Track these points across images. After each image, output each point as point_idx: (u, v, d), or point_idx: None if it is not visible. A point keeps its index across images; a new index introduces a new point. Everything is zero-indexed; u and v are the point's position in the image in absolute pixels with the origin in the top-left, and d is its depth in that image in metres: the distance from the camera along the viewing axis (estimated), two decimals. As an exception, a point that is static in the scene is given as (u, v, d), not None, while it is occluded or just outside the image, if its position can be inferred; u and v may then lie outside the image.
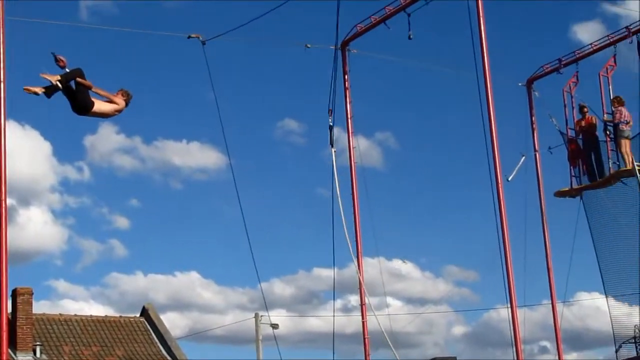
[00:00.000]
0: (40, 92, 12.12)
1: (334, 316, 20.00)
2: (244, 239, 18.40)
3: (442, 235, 58.73)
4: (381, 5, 19.88)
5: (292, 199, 62.78)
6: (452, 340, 54.37)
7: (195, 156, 59.82)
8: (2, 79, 13.24)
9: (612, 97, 21.26)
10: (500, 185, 16.78)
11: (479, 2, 17.50)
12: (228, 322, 60.72)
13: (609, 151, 21.39)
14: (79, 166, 59.13)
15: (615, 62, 21.65)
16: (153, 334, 31.90)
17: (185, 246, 63.15)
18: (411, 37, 19.30)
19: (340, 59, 20.63)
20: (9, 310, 27.84)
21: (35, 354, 28.38)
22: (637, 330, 25.03)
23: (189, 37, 18.86)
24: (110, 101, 12.92)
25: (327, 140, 20.14)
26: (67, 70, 12.33)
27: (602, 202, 22.44)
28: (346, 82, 20.70)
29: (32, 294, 28.80)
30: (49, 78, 12.09)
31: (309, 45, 20.53)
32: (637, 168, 20.30)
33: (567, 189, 22.41)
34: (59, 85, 12.09)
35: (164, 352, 31.11)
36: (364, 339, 19.60)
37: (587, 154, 21.97)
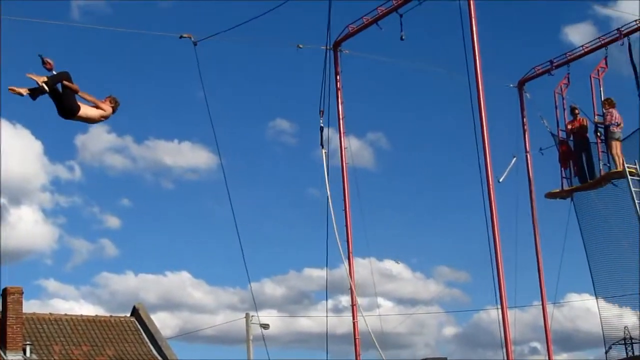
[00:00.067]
0: (25, 93, 11.99)
1: (326, 316, 19.98)
2: (235, 239, 18.42)
3: (433, 235, 58.86)
4: (373, 6, 19.92)
5: (283, 199, 62.80)
6: (443, 341, 54.45)
7: (187, 156, 59.81)
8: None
9: (603, 99, 21.31)
10: (491, 186, 16.81)
11: (471, 3, 17.54)
12: (219, 322, 60.70)
13: (600, 153, 21.43)
14: (70, 165, 59.06)
15: (606, 64, 21.70)
16: (143, 334, 31.85)
17: (176, 246, 63.12)
18: (403, 37, 19.32)
19: (332, 59, 20.65)
20: (-1, 309, 27.85)
21: (25, 353, 28.30)
22: (627, 332, 25.09)
23: (181, 37, 18.84)
24: (97, 106, 12.81)
25: (318, 141, 20.14)
26: (54, 72, 12.24)
27: (592, 204, 22.48)
28: (338, 83, 20.70)
29: (22, 293, 28.75)
30: (35, 79, 11.99)
31: (300, 46, 20.53)
32: (627, 170, 20.33)
33: (557, 190, 22.45)
34: (45, 87, 12.00)
35: (154, 352, 31.06)
36: (355, 339, 19.60)
37: (578, 156, 22.01)
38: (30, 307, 33.35)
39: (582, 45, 22.58)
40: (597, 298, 22.70)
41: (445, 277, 56.61)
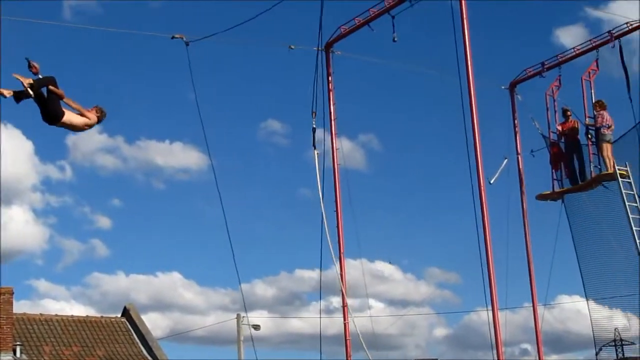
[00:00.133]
0: (8, 95, 11.85)
1: (320, 317, 19.95)
2: (225, 239, 18.41)
3: (425, 237, 58.99)
4: (365, 7, 19.92)
5: (274, 200, 62.87)
6: (434, 342, 54.54)
7: (178, 156, 59.86)
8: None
9: (594, 101, 21.35)
10: (482, 187, 16.82)
11: (463, 5, 17.55)
12: (209, 322, 60.73)
13: (591, 155, 21.48)
14: (61, 165, 59.06)
15: (597, 66, 21.74)
16: (134, 334, 31.82)
17: (167, 246, 63.15)
18: (396, 39, 19.32)
19: (324, 60, 20.64)
20: (-11, 309, 27.75)
21: (15, 354, 28.22)
22: (617, 334, 25.17)
23: (173, 37, 18.81)
24: (81, 114, 12.70)
25: (310, 142, 20.14)
26: (40, 76, 12.13)
27: (583, 206, 22.52)
28: (330, 84, 20.69)
29: (13, 293, 28.66)
30: (21, 79, 11.89)
31: (292, 47, 20.50)
32: (618, 172, 20.38)
33: (548, 192, 22.48)
34: (30, 91, 11.88)
35: (145, 352, 31.03)
36: (345, 340, 19.59)
37: (569, 158, 22.04)
38: (20, 307, 33.28)
39: (574, 48, 22.61)
40: (587, 300, 22.75)
41: (436, 278, 56.76)
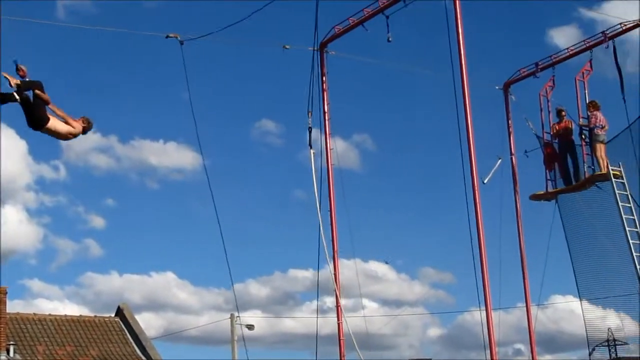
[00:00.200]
0: None
1: (317, 317, 19.95)
2: (219, 239, 18.40)
3: (419, 237, 59.09)
4: (359, 7, 19.93)
5: (268, 200, 62.87)
6: (428, 342, 54.64)
7: (172, 156, 59.89)
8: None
9: (587, 102, 21.39)
10: (476, 187, 16.83)
11: (457, 5, 17.56)
12: (203, 322, 60.74)
13: (584, 155, 21.52)
14: (55, 165, 59.06)
15: (591, 66, 21.77)
16: (128, 334, 31.80)
17: (161, 246, 63.17)
18: (390, 39, 19.32)
19: (318, 60, 20.63)
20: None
21: (8, 353, 28.17)
22: (610, 334, 25.21)
23: (167, 36, 18.77)
24: (66, 122, 12.57)
25: (304, 142, 20.13)
26: (27, 80, 12.07)
27: (577, 206, 22.56)
28: (324, 84, 20.68)
29: (6, 293, 28.61)
30: (9, 78, 11.81)
31: (287, 47, 20.49)
32: (611, 172, 20.42)
33: (542, 192, 22.51)
34: (16, 95, 11.81)
35: (138, 352, 31.01)
36: (339, 340, 19.59)
37: (563, 158, 22.08)
38: (14, 307, 33.21)
39: (567, 48, 22.64)
40: (580, 300, 22.79)
41: (430, 278, 56.86)
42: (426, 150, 59.63)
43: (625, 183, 20.50)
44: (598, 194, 21.59)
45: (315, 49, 20.40)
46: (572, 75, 22.06)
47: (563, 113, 22.07)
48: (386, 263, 54.05)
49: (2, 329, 28.25)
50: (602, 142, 20.88)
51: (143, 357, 30.73)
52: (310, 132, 20.17)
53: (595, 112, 21.01)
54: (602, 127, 20.90)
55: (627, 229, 19.94)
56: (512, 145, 23.34)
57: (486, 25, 54.04)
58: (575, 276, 22.66)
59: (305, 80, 19.83)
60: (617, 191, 20.31)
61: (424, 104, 57.38)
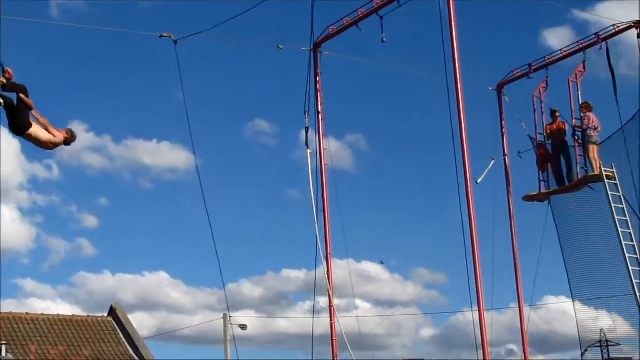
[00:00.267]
0: None
1: (312, 317, 19.93)
2: (212, 239, 18.38)
3: (412, 237, 59.10)
4: (354, 7, 19.94)
5: (262, 199, 62.82)
6: (420, 342, 54.64)
7: (165, 156, 59.83)
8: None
9: (580, 103, 21.42)
10: (469, 188, 16.84)
11: (451, 6, 17.58)
12: (196, 322, 60.69)
13: (577, 156, 21.55)
14: (48, 164, 58.90)
15: (584, 68, 21.81)
16: (120, 334, 31.72)
17: (154, 246, 63.10)
18: (384, 40, 19.34)
19: (312, 60, 20.63)
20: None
21: (0, 353, 28.10)
22: (602, 335, 25.27)
23: (161, 36, 18.75)
24: (47, 130, 12.39)
25: (297, 142, 20.18)
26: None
27: (570, 207, 22.60)
28: (318, 84, 20.68)
29: (-2, 292, 28.55)
30: None
31: (281, 47, 20.48)
32: (604, 174, 20.45)
33: (535, 193, 22.54)
34: (1, 99, 11.73)
35: (131, 352, 30.95)
36: (332, 340, 19.59)
37: (556, 159, 22.11)
38: (6, 306, 33.20)
39: (561, 49, 22.69)
40: (573, 301, 22.83)
41: (423, 278, 56.89)
42: (420, 150, 59.72)
43: (618, 184, 20.53)
44: (591, 195, 21.63)
45: (309, 49, 20.43)
46: (565, 76, 22.11)
47: (557, 114, 22.09)
48: (381, 263, 54.08)
49: (-6, 328, 28.22)
50: (595, 143, 20.92)
51: (136, 357, 30.66)
52: (307, 131, 20.19)
53: (588, 114, 21.04)
54: (595, 129, 20.93)
55: (619, 230, 19.98)
56: (505, 146, 23.38)
57: (480, 26, 54.10)
58: (567, 277, 22.72)
59: (299, 80, 19.86)
60: (609, 192, 20.34)
61: (418, 104, 57.47)
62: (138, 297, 58.96)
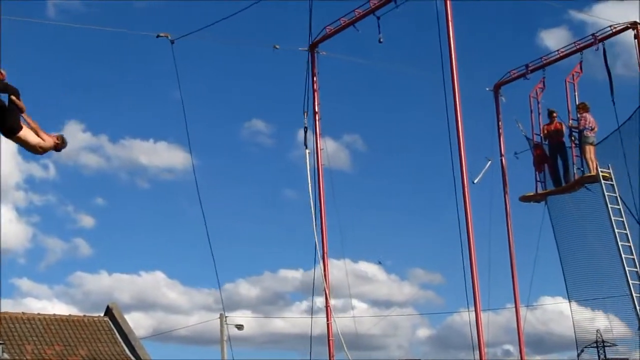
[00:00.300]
0: None
1: (311, 318, 19.93)
2: (210, 239, 18.37)
3: (408, 237, 59.01)
4: (351, 8, 19.95)
5: (258, 199, 62.78)
6: (417, 342, 54.56)
7: (162, 156, 59.75)
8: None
9: (577, 104, 21.43)
10: (466, 188, 16.84)
11: (448, 6, 17.59)
12: (193, 322, 60.65)
13: (574, 157, 21.57)
14: (44, 164, 58.70)
15: (581, 68, 21.82)
16: (117, 334, 31.70)
17: (150, 246, 62.99)
18: (381, 40, 19.34)
19: (309, 60, 20.64)
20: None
21: (-4, 352, 28.10)
22: (599, 335, 25.28)
23: (158, 36, 18.73)
24: (37, 134, 12.16)
25: (294, 142, 20.24)
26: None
27: (566, 208, 22.61)
28: (315, 84, 20.69)
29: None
30: None
31: (277, 47, 20.49)
32: (601, 174, 20.47)
33: (532, 193, 22.56)
34: None
35: (127, 352, 30.93)
36: (328, 340, 19.59)
37: (553, 159, 22.12)
38: (2, 306, 33.07)
39: (558, 50, 22.71)
40: (569, 301, 22.84)
41: (420, 279, 56.79)
42: (416, 151, 59.65)
43: (615, 185, 20.55)
44: (587, 195, 21.63)
45: (306, 49, 20.44)
46: (562, 77, 22.13)
47: (554, 114, 22.09)
48: (379, 263, 54.02)
49: (-10, 328, 28.18)
50: (591, 144, 20.93)
51: (132, 357, 30.64)
52: (306, 131, 20.20)
53: (584, 114, 21.05)
54: (592, 129, 20.95)
55: (616, 230, 20.00)
56: (502, 146, 23.38)
57: (477, 27, 54.02)
58: (564, 277, 22.73)
59: (296, 80, 19.90)
60: (606, 193, 20.36)
61: (415, 105, 57.42)
62: (134, 297, 58.92)
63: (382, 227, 58.01)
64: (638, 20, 21.03)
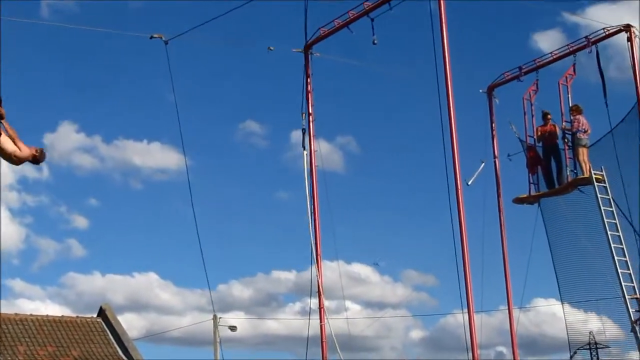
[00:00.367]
0: None
1: (309, 319, 19.91)
2: (203, 240, 18.39)
3: (402, 239, 59.11)
4: (345, 9, 19.95)
5: (252, 201, 62.77)
6: (410, 344, 54.66)
7: (156, 156, 59.75)
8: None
9: (570, 106, 21.48)
10: (459, 190, 16.85)
11: (442, 8, 17.60)
12: (186, 323, 60.57)
13: (567, 159, 21.61)
14: (38, 165, 58.58)
15: (574, 71, 21.88)
16: (110, 335, 31.64)
17: (144, 247, 63.00)
18: (375, 42, 19.34)
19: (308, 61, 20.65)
20: (-37, 309, 27.52)
21: (-11, 353, 28.02)
22: (592, 337, 25.33)
23: (152, 37, 18.73)
24: (14, 142, 12.01)
25: (288, 143, 20.25)
26: None
27: (559, 210, 22.65)
28: (309, 85, 20.69)
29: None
30: None
31: (271, 48, 20.48)
32: (594, 176, 20.51)
33: (525, 195, 22.59)
34: None
35: (120, 353, 30.87)
36: (322, 342, 19.59)
37: (547, 161, 22.16)
38: (-5, 307, 32.99)
39: (551, 52, 22.76)
40: (562, 303, 22.88)
41: (413, 280, 56.91)
42: (410, 152, 59.78)
43: (607, 187, 20.60)
44: (580, 197, 21.69)
45: (301, 50, 20.44)
46: (555, 79, 22.18)
47: (549, 116, 22.13)
48: (376, 265, 54.14)
49: (-17, 329, 28.09)
50: (584, 146, 20.98)
51: (125, 358, 30.59)
52: (303, 133, 20.21)
53: (577, 116, 21.11)
54: (585, 131, 21.00)
55: (609, 232, 20.04)
56: (495, 148, 23.42)
57: (471, 29, 54.14)
58: (557, 279, 22.77)
59: (290, 81, 19.94)
60: (599, 195, 20.41)
61: (408, 106, 57.49)
62: (128, 298, 58.89)
63: (376, 228, 58.14)
64: (631, 23, 21.11)
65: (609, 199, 20.47)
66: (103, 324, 32.13)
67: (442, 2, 17.56)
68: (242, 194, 63.63)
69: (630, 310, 19.42)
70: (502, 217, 23.04)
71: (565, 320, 22.77)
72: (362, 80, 59.15)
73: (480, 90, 23.55)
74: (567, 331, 22.82)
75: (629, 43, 20.97)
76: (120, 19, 57.54)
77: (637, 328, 19.31)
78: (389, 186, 60.14)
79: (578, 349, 24.70)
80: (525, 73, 22.80)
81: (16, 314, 31.28)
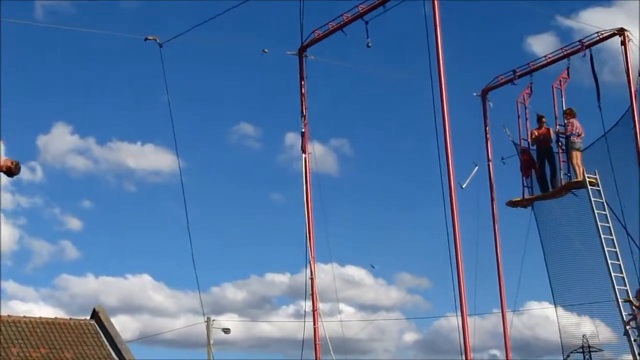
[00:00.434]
0: None
1: (304, 321, 19.89)
2: (196, 242, 18.38)
3: (396, 242, 59.17)
4: (339, 12, 19.96)
5: (246, 203, 62.75)
6: (403, 347, 54.71)
7: (150, 158, 59.76)
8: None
9: (564, 109, 21.52)
10: (453, 193, 16.86)
11: (436, 12, 17.62)
12: (179, 325, 60.53)
13: (561, 162, 21.65)
14: (32, 166, 58.59)
15: (568, 74, 21.92)
16: (103, 337, 31.60)
17: (137, 249, 62.95)
18: (370, 45, 19.35)
19: (303, 64, 20.65)
20: (-44, 310, 27.45)
21: (-19, 355, 27.94)
22: (585, 340, 25.36)
23: (146, 39, 18.70)
24: None
25: (282, 146, 20.26)
26: None
27: (553, 213, 22.69)
28: (303, 88, 20.69)
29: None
30: None
31: (266, 50, 20.49)
32: (587, 180, 20.55)
33: (518, 199, 22.61)
34: None
35: (113, 355, 30.83)
36: (315, 344, 19.59)
37: (541, 164, 22.19)
38: (-12, 308, 32.91)
39: (545, 56, 22.81)
40: (555, 306, 22.91)
41: (407, 283, 57.01)
42: (404, 155, 59.87)
43: (601, 190, 20.64)
44: (574, 201, 21.72)
45: (295, 53, 20.45)
46: (549, 82, 22.21)
47: (543, 120, 22.16)
48: (372, 267, 54.24)
49: (-25, 330, 28.02)
50: (578, 149, 21.02)
51: (118, 360, 30.58)
52: (303, 136, 20.22)
53: (571, 120, 21.15)
54: (579, 135, 21.04)
55: (602, 236, 20.07)
56: (489, 151, 23.44)
57: (465, 32, 54.25)
58: (550, 282, 22.80)
59: (284, 84, 19.93)
60: (592, 198, 20.44)
61: (402, 109, 57.57)
62: (121, 300, 58.84)
63: (369, 231, 58.13)
64: (625, 27, 21.17)
65: (603, 202, 20.50)
66: (96, 325, 32.09)
67: (436, 5, 17.58)
68: (236, 196, 63.63)
69: (623, 313, 19.45)
70: (495, 221, 23.06)
71: (558, 323, 22.81)
72: (356, 83, 59.24)
73: (475, 94, 23.58)
74: (560, 334, 22.85)
75: (623, 47, 21.04)
76: (114, 20, 57.54)
77: (630, 331, 19.35)
78: (382, 189, 60.18)
79: (571, 352, 24.72)
80: (520, 76, 22.84)
81: (9, 316, 31.20)
